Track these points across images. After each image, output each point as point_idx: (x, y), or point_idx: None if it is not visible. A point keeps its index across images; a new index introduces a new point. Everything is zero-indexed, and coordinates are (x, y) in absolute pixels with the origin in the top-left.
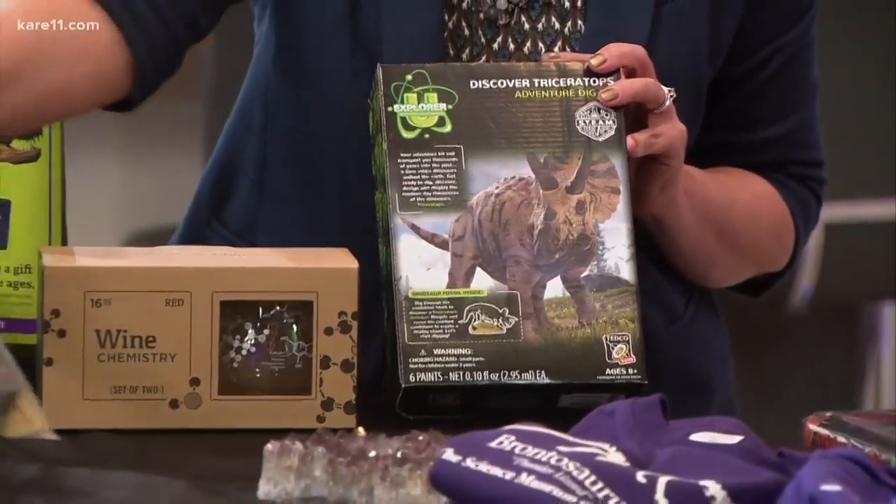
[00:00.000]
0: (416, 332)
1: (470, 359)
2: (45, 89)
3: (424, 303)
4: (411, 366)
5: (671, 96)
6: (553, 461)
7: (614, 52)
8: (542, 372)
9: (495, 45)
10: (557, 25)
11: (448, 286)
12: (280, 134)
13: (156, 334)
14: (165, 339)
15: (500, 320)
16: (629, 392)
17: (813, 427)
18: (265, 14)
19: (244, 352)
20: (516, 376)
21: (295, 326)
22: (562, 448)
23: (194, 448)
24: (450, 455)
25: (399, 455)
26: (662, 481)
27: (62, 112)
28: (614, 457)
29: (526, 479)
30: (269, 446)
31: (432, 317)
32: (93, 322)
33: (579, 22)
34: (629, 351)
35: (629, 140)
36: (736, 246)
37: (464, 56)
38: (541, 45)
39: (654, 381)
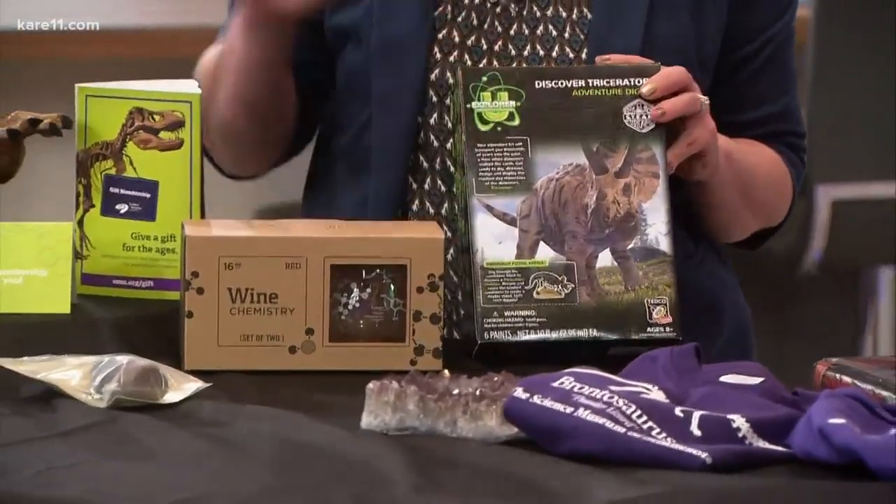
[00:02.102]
0: (489, 296)
1: (535, 319)
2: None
3: (497, 271)
4: (486, 325)
5: (705, 103)
6: (605, 398)
7: (662, 82)
8: (594, 329)
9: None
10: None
11: (516, 257)
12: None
13: (277, 292)
14: (285, 296)
15: (560, 286)
16: (667, 346)
17: (822, 370)
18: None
19: (350, 307)
20: (573, 333)
21: (392, 286)
22: (613, 387)
23: (309, 386)
24: (520, 393)
25: (478, 393)
26: (696, 415)
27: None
28: (656, 395)
29: (583, 413)
30: (370, 385)
31: (503, 284)
32: (226, 282)
33: (584, 10)
34: (667, 312)
35: (668, 155)
36: (754, 203)
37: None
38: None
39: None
